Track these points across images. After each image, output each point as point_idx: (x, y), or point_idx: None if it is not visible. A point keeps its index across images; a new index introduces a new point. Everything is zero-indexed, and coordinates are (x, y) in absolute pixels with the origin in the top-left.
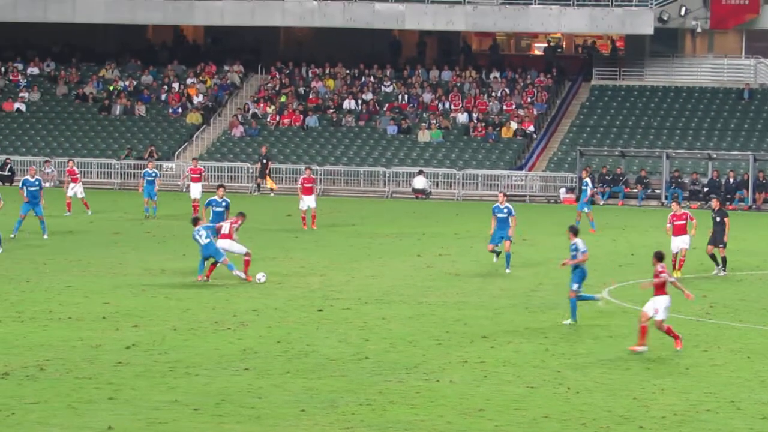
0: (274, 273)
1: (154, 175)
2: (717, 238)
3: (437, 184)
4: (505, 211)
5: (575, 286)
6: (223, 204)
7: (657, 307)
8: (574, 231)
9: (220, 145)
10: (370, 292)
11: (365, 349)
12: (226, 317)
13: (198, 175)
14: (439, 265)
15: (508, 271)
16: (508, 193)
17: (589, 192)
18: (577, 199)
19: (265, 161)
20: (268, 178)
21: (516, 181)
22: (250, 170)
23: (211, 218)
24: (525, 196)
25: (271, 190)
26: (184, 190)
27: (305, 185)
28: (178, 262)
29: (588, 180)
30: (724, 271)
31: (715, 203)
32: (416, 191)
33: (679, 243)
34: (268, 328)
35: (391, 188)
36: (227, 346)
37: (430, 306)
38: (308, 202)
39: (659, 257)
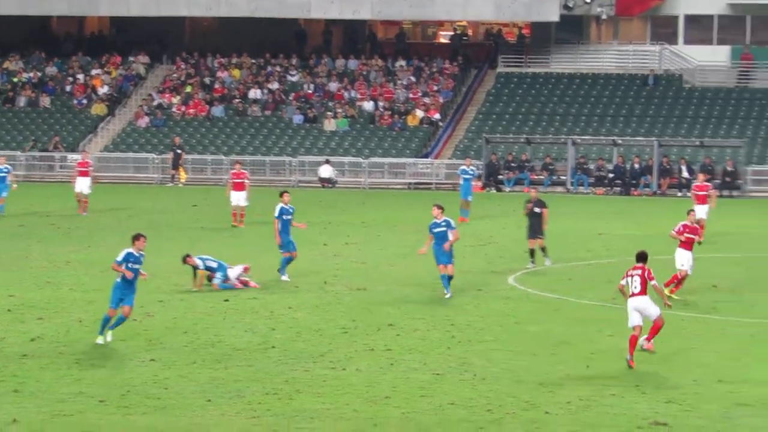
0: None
1: (5, 170)
2: (536, 229)
3: (344, 173)
4: (443, 225)
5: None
6: (291, 211)
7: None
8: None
9: (125, 136)
10: (276, 282)
11: (271, 338)
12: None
13: (85, 169)
14: (345, 254)
15: (448, 295)
16: (414, 181)
17: (472, 181)
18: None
19: (178, 152)
20: (180, 169)
21: (422, 169)
22: (156, 161)
23: (280, 227)
24: (431, 183)
25: (179, 180)
26: (72, 183)
27: (234, 180)
28: (83, 253)
29: (470, 169)
30: (548, 260)
31: (533, 194)
32: (322, 180)
33: (699, 212)
34: (174, 319)
35: (298, 177)
36: (133, 338)
37: (337, 295)
38: (237, 198)
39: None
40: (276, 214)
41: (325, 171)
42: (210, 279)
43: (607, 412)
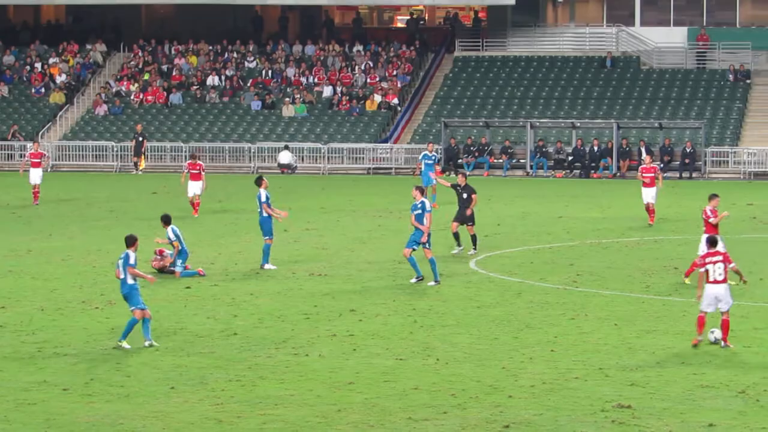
0: (141, 250)
1: None
2: (464, 215)
3: (303, 159)
4: (419, 206)
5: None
6: (433, 158)
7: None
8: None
9: (84, 124)
10: (237, 268)
11: (234, 325)
12: (94, 296)
13: (38, 160)
14: (305, 240)
15: (434, 283)
16: (373, 166)
17: (434, 166)
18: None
19: (141, 139)
20: (142, 157)
21: (381, 154)
22: (115, 149)
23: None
24: (390, 168)
25: (137, 167)
26: (21, 173)
27: (191, 171)
28: (44, 242)
29: (432, 154)
30: (474, 249)
31: (461, 179)
32: (282, 166)
33: (647, 196)
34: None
35: (257, 164)
36: (95, 326)
37: (298, 281)
38: (193, 188)
39: (714, 243)
40: (264, 200)
41: (285, 157)
42: (164, 263)
43: (571, 396)
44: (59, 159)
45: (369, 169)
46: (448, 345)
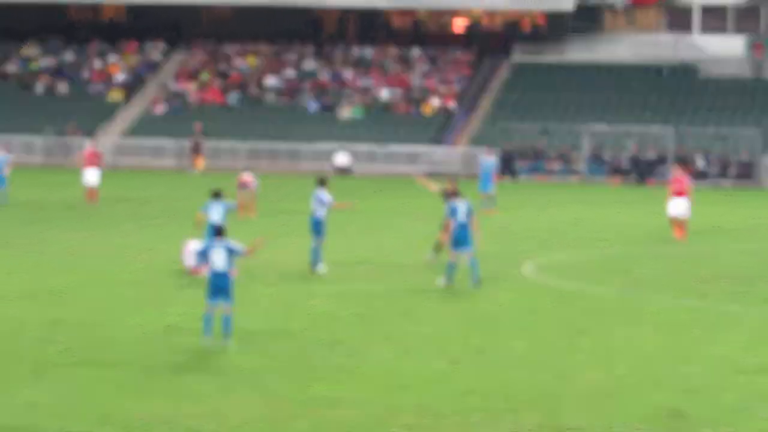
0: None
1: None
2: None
3: (359, 161)
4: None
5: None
6: (491, 163)
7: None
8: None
9: (142, 123)
10: (292, 270)
11: (288, 326)
12: (149, 295)
13: (95, 159)
14: (360, 241)
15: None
16: (429, 169)
17: (492, 173)
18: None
19: (199, 139)
20: (200, 156)
21: (438, 158)
22: (173, 148)
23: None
24: (447, 171)
25: (195, 167)
26: (81, 167)
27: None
28: (100, 239)
29: (490, 159)
30: (433, 255)
31: (449, 185)
32: (338, 169)
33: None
34: (193, 306)
35: (313, 165)
36: (150, 324)
37: (352, 283)
38: (91, 176)
39: None
40: (327, 201)
41: (341, 159)
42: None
43: (625, 402)
44: (117, 157)
45: (425, 172)
46: (503, 349)
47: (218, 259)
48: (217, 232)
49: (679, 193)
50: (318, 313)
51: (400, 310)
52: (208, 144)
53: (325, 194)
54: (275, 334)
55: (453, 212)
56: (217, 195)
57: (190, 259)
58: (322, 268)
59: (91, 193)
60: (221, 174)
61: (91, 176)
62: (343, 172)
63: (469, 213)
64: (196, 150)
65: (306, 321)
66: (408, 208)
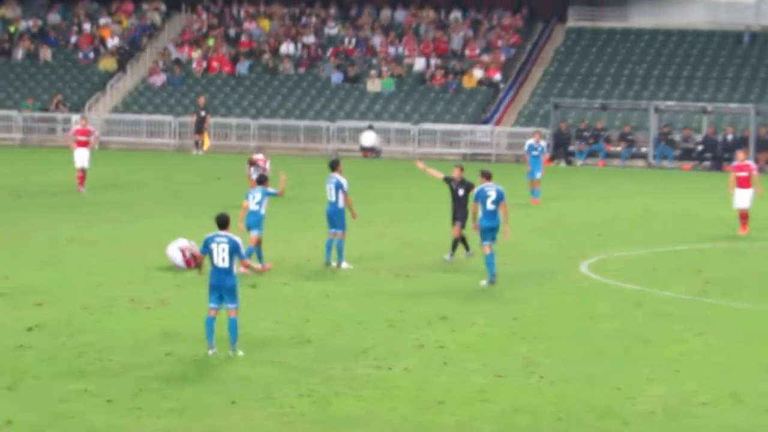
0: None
1: None
2: (463, 214)
3: (389, 141)
4: (493, 194)
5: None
6: (540, 149)
7: None
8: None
9: (138, 96)
10: (311, 266)
11: (306, 331)
12: (145, 294)
13: (85, 138)
14: (390, 234)
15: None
16: (471, 151)
17: (542, 158)
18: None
19: (203, 114)
20: (205, 134)
21: (480, 138)
22: (173, 125)
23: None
24: (491, 154)
25: (202, 147)
26: (72, 147)
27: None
28: (89, 230)
29: (539, 144)
30: (451, 256)
31: (457, 172)
32: (365, 149)
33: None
34: (193, 307)
35: (336, 145)
36: (145, 328)
37: (381, 282)
38: (81, 157)
39: None
40: (344, 187)
41: (368, 138)
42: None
43: (698, 424)
44: (108, 135)
45: (465, 154)
46: (554, 360)
47: (220, 254)
48: (220, 224)
49: (744, 184)
50: (341, 317)
51: (434, 313)
52: (214, 120)
53: (340, 179)
54: (290, 342)
55: (481, 197)
56: (260, 181)
57: (176, 258)
58: (345, 264)
59: (80, 177)
60: (229, 155)
61: (81, 158)
62: (371, 153)
63: (498, 200)
64: (200, 127)
65: (326, 326)
66: (443, 195)
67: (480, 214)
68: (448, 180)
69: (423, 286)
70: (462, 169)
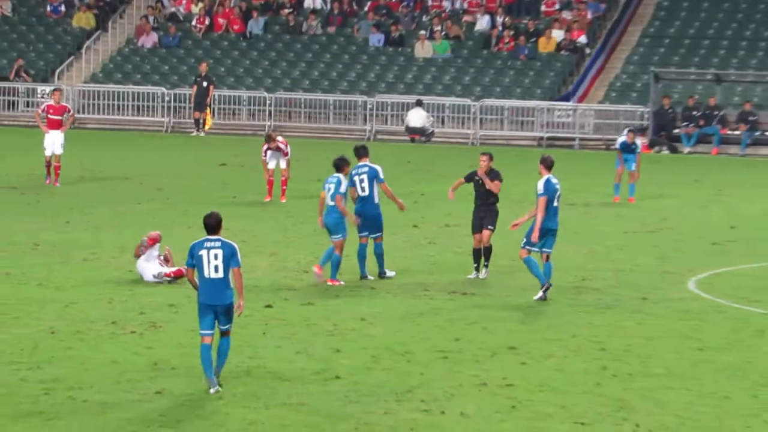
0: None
1: None
2: (486, 217)
3: (443, 121)
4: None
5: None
6: (634, 149)
7: None
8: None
9: (121, 61)
10: (342, 279)
11: (335, 364)
12: (129, 315)
13: (59, 117)
14: (443, 241)
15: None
16: (547, 135)
17: (637, 156)
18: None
19: (205, 85)
20: (208, 111)
21: (560, 118)
22: (167, 98)
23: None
24: (573, 139)
25: (200, 125)
26: (45, 130)
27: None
28: (59, 233)
29: (634, 144)
30: (485, 269)
31: (485, 162)
32: (411, 131)
33: None
34: (192, 333)
35: (375, 126)
36: (130, 359)
37: (432, 300)
38: (53, 142)
39: None
40: (382, 177)
41: (416, 118)
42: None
43: None
44: (84, 111)
45: (541, 138)
46: (654, 404)
47: (212, 262)
48: (210, 226)
49: None
50: (380, 347)
51: (499, 343)
52: (220, 93)
53: (373, 166)
54: (314, 377)
55: (549, 190)
56: (338, 165)
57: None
58: (390, 272)
59: (52, 167)
60: (238, 138)
61: (53, 141)
62: (419, 136)
63: (559, 196)
64: (201, 102)
65: (360, 358)
66: (515, 192)
67: (543, 213)
68: (470, 177)
69: (484, 306)
70: (491, 158)
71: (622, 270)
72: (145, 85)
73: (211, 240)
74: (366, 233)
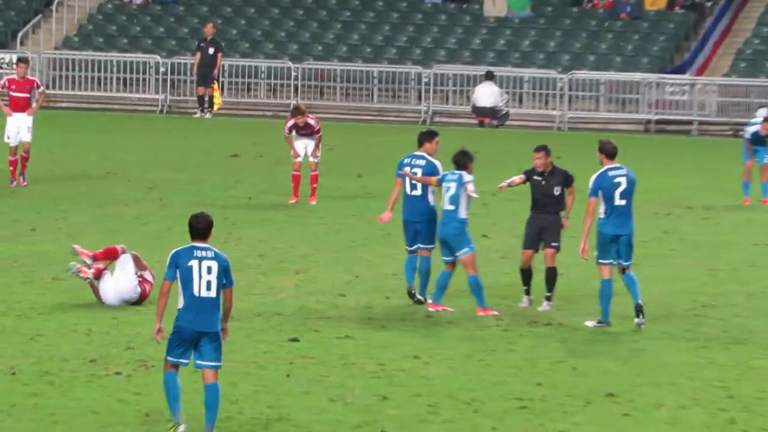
0: None
1: None
2: (548, 230)
3: (520, 98)
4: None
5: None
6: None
7: None
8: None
9: (103, 21)
10: (388, 305)
11: (381, 415)
12: (113, 351)
13: (26, 95)
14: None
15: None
16: (656, 117)
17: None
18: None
19: (211, 52)
20: (215, 86)
21: (672, 95)
22: (161, 70)
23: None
24: (691, 123)
25: (211, 107)
26: (7, 112)
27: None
28: (22, 244)
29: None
30: (548, 302)
31: (540, 159)
32: (480, 111)
33: None
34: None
35: (432, 105)
36: (114, 407)
37: (506, 330)
38: (18, 127)
39: None
40: (441, 177)
41: (486, 94)
42: None
43: None
44: (54, 86)
45: (648, 122)
46: None
47: (204, 277)
48: (198, 231)
49: None
50: (439, 393)
51: (593, 388)
52: (232, 63)
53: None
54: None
55: (604, 186)
56: (460, 161)
57: (111, 298)
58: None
59: (18, 160)
60: (253, 121)
61: (18, 126)
62: (490, 118)
63: (631, 191)
64: (206, 74)
65: (412, 407)
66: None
67: (591, 218)
68: (529, 175)
69: (574, 340)
70: (548, 153)
71: (754, 294)
72: (134, 53)
73: (201, 248)
74: (424, 245)
